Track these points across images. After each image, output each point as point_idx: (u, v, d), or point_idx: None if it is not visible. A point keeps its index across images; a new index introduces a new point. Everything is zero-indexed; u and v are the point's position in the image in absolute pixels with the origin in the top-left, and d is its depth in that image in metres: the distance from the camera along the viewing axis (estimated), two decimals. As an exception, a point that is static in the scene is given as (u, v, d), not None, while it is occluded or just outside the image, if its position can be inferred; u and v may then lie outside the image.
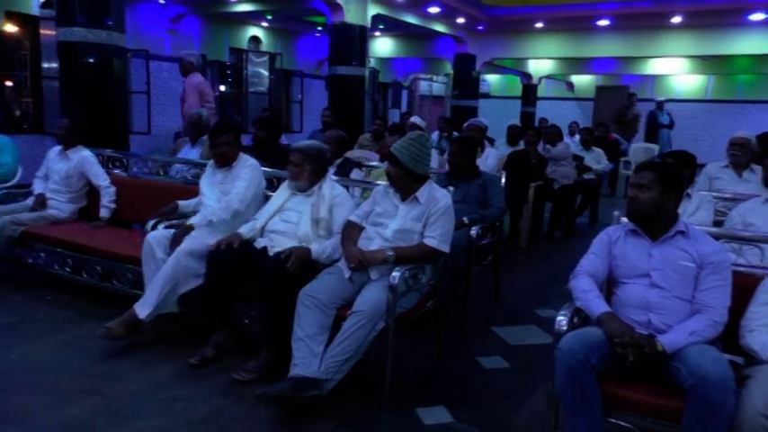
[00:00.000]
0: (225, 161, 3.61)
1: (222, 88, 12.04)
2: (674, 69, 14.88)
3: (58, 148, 4.39)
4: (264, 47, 12.65)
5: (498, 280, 4.42)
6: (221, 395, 2.77)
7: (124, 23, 5.38)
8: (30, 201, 4.31)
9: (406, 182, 2.98)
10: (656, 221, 2.33)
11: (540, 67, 15.87)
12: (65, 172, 4.29)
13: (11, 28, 8.14)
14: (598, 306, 2.24)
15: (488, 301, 4.37)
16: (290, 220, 3.25)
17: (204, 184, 3.67)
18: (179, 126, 9.99)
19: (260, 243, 3.25)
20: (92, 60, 5.08)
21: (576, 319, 2.33)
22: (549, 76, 16.74)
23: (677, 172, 2.42)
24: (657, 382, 2.10)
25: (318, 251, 3.09)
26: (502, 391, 3.01)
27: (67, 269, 3.91)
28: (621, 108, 12.30)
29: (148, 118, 9.76)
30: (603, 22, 11.42)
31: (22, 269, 4.20)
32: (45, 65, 8.59)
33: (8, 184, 4.52)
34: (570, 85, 17.90)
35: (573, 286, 2.38)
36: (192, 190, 4.02)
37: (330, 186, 3.30)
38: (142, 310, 3.19)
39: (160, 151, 8.86)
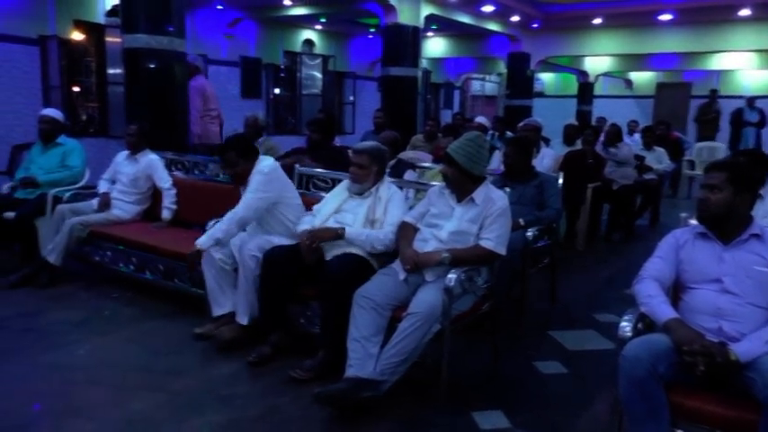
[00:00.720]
0: (239, 180, 3.53)
1: (276, 91, 12.24)
2: (742, 64, 14.23)
3: (126, 152, 4.55)
4: (318, 49, 12.79)
5: (555, 283, 4.32)
6: (278, 394, 2.81)
7: (185, 30, 5.53)
8: (94, 201, 4.48)
9: (463, 183, 2.94)
10: (727, 224, 2.22)
11: (597, 64, 15.47)
12: (132, 174, 4.45)
13: (78, 36, 8.50)
14: (665, 312, 2.15)
15: (544, 304, 4.27)
16: (345, 221, 3.26)
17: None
18: (235, 128, 10.25)
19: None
20: (154, 66, 5.24)
21: (640, 325, 2.24)
22: (606, 74, 16.29)
23: (750, 172, 2.30)
24: (729, 393, 2.00)
25: (353, 234, 3.10)
26: (560, 397, 2.94)
27: (131, 267, 4.05)
28: (703, 105, 11.80)
29: (206, 121, 10.01)
30: (666, 17, 11.02)
31: (89, 267, 4.38)
32: (110, 71, 8.93)
33: (76, 186, 4.70)
34: (629, 83, 17.36)
35: (637, 291, 2.29)
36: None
37: (387, 187, 3.31)
38: (242, 318, 3.29)
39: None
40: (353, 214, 3.27)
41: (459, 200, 2.97)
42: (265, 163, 3.55)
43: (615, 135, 6.74)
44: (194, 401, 2.72)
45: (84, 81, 8.90)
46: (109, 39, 8.78)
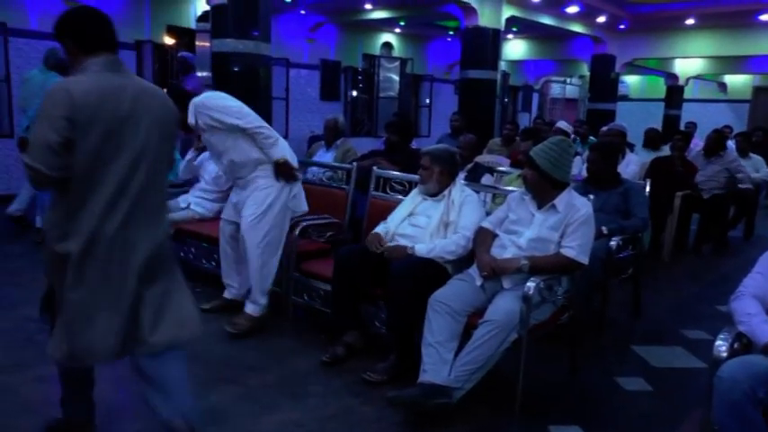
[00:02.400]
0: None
1: (354, 93, 12.40)
2: None
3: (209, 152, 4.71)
4: (396, 52, 12.86)
5: (639, 295, 4.13)
6: (351, 394, 2.82)
7: (270, 34, 5.70)
8: (180, 199, 4.66)
9: (543, 187, 2.86)
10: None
11: (687, 66, 14.71)
12: (215, 172, 4.61)
13: (169, 40, 8.94)
14: (765, 332, 2.00)
15: (627, 317, 4.10)
16: (419, 224, 3.25)
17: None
18: (313, 130, 10.47)
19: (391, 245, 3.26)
20: (241, 69, 5.43)
21: (736, 345, 2.10)
22: (697, 77, 15.46)
23: None
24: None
25: (424, 251, 3.06)
26: (644, 416, 2.80)
27: (213, 263, 4.19)
28: None
29: (286, 122, 10.29)
30: (766, 17, 10.35)
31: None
32: (198, 74, 9.32)
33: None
34: (722, 86, 16.42)
35: (734, 308, 2.15)
36: (327, 192, 4.17)
37: (460, 190, 3.27)
38: (253, 308, 3.53)
39: (296, 154, 9.28)
40: (427, 217, 3.25)
41: (540, 206, 2.90)
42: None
43: (717, 144, 6.32)
44: (270, 397, 2.77)
45: (173, 83, 9.33)
46: (198, 43, 9.18)
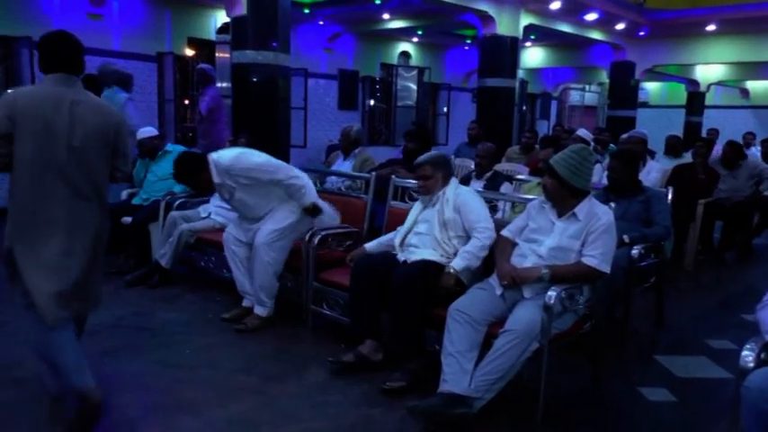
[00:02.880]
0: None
1: (371, 102, 12.45)
2: None
3: None
4: (414, 61, 12.90)
5: (661, 304, 4.07)
6: (371, 404, 2.82)
7: (289, 45, 5.76)
8: (201, 209, 4.71)
9: (562, 195, 2.84)
10: None
11: (709, 73, 14.55)
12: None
13: (190, 52, 9.07)
14: (793, 342, 1.97)
15: (650, 326, 4.04)
16: (421, 231, 3.30)
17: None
18: (331, 139, 10.53)
19: (400, 257, 3.30)
20: (260, 79, 5.49)
21: (763, 355, 2.06)
22: (719, 83, 15.29)
23: None
24: None
25: (462, 265, 3.05)
26: (668, 427, 2.76)
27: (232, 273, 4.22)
28: None
29: (305, 132, 10.35)
30: (788, 22, 10.22)
31: (195, 271, 4.62)
32: (218, 85, 9.44)
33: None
34: (744, 92, 16.19)
35: (760, 318, 2.11)
36: (346, 201, 4.18)
37: (453, 188, 3.32)
38: (261, 309, 3.71)
39: (313, 163, 9.35)
40: (426, 222, 3.31)
41: (560, 214, 2.87)
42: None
43: (735, 153, 6.23)
44: (291, 407, 2.78)
45: (194, 94, 9.46)
46: (218, 54, 9.30)
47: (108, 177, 2.58)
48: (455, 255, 3.15)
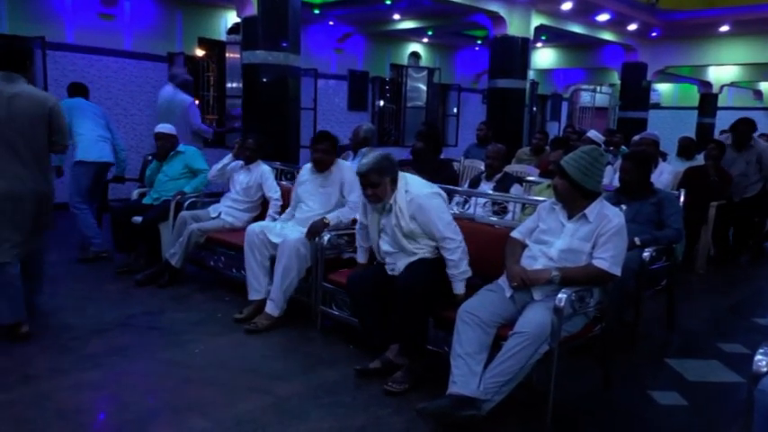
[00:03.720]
0: (322, 166, 4.04)
1: (381, 103, 12.44)
2: None
3: (241, 162, 4.78)
4: (423, 62, 12.88)
5: (672, 307, 4.04)
6: (380, 405, 2.81)
7: (299, 46, 5.76)
8: (211, 209, 4.72)
9: (572, 197, 2.82)
10: None
11: (721, 74, 14.42)
12: (245, 183, 4.67)
13: (199, 52, 9.10)
14: (807, 347, 1.94)
15: (661, 330, 4.01)
16: (389, 246, 3.23)
17: (304, 188, 4.11)
18: (340, 140, 10.52)
19: (387, 268, 3.27)
20: (270, 80, 5.49)
21: (776, 360, 2.03)
22: (732, 84, 15.15)
23: None
24: None
25: (458, 273, 3.07)
26: (679, 431, 2.72)
27: (243, 272, 4.22)
28: None
29: (314, 132, 10.33)
30: (803, 23, 10.10)
31: (205, 271, 4.64)
32: (228, 85, 9.48)
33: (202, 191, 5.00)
34: (758, 94, 16.04)
35: (774, 322, 2.08)
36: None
37: (402, 193, 3.12)
38: (274, 309, 3.72)
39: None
40: (390, 234, 3.20)
41: (571, 216, 2.85)
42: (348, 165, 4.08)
43: (748, 133, 6.05)
44: (299, 407, 2.78)
45: (204, 94, 9.50)
46: (229, 54, 9.34)
47: (48, 149, 3.47)
48: (435, 249, 3.14)
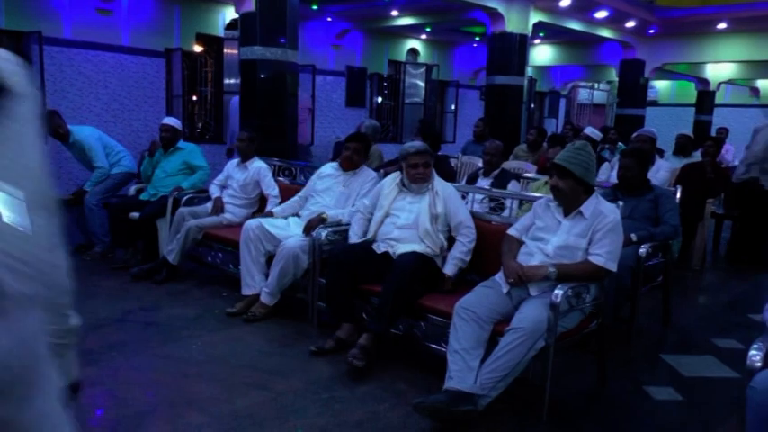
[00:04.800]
0: (349, 165, 4.06)
1: (379, 99, 12.44)
2: None
3: (237, 159, 4.78)
4: (422, 58, 12.88)
5: (668, 303, 4.05)
6: (376, 400, 2.82)
7: (297, 42, 5.76)
8: (209, 204, 4.74)
9: (576, 194, 2.82)
10: None
11: (719, 71, 14.45)
12: (242, 180, 4.67)
13: (197, 48, 9.08)
14: (801, 343, 1.95)
15: (656, 325, 4.03)
16: (400, 224, 3.39)
17: (323, 183, 4.11)
18: (338, 136, 10.52)
19: (379, 248, 3.41)
20: (268, 76, 5.49)
21: (771, 356, 2.05)
22: (729, 82, 15.18)
23: None
24: None
25: (455, 272, 3.31)
26: (674, 426, 2.76)
27: (240, 268, 4.22)
28: None
29: (312, 128, 10.34)
30: (800, 20, 10.12)
31: (203, 267, 4.64)
32: (225, 81, 9.46)
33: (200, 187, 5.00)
34: (755, 91, 16.07)
35: (768, 318, 2.10)
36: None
37: (438, 180, 3.44)
38: (269, 298, 3.78)
39: (320, 160, 9.35)
40: (408, 212, 3.40)
41: (567, 213, 2.86)
42: (373, 175, 4.10)
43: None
44: (296, 402, 2.79)
45: (202, 90, 9.48)
46: (226, 50, 9.32)
47: None
48: (440, 249, 3.34)
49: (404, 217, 3.39)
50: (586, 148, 2.87)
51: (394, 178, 3.57)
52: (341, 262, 3.36)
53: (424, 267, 3.24)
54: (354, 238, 3.62)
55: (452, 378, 2.61)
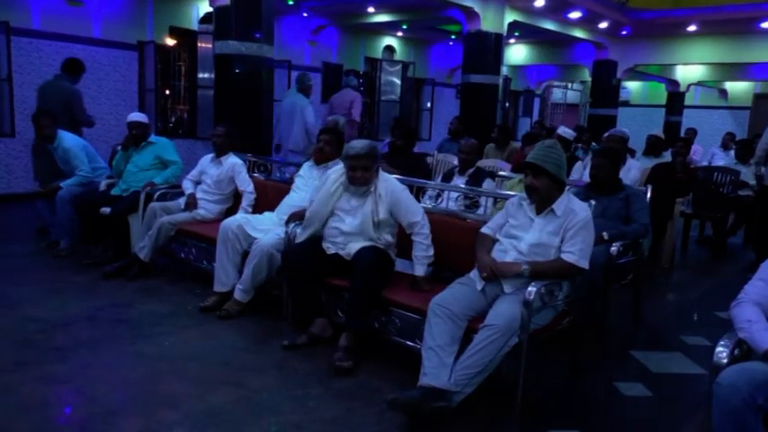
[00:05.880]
0: (321, 157, 4.03)
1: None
2: None
3: (211, 155, 4.73)
4: (398, 56, 12.88)
5: (638, 301, 4.13)
6: (351, 397, 2.82)
7: (272, 37, 5.71)
8: (182, 200, 4.67)
9: (550, 191, 2.85)
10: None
11: (689, 73, 14.75)
12: (217, 176, 4.62)
13: (170, 41, 8.95)
14: (765, 339, 2.00)
15: (626, 322, 4.10)
16: (348, 228, 3.37)
17: (301, 181, 4.12)
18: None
19: (329, 249, 3.42)
20: (243, 71, 5.44)
21: (736, 352, 2.10)
22: (698, 83, 15.50)
23: None
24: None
25: (425, 271, 3.36)
26: (643, 422, 2.80)
27: (213, 264, 4.18)
28: None
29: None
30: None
31: (176, 263, 4.58)
32: (199, 75, 9.34)
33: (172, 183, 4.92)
34: (723, 93, 16.45)
35: (735, 315, 2.15)
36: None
37: (383, 183, 3.36)
38: (242, 295, 3.75)
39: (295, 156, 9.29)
40: (351, 217, 3.38)
41: (539, 211, 2.89)
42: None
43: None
44: (270, 399, 2.77)
45: (175, 84, 9.35)
46: (201, 44, 9.19)
47: None
48: (385, 245, 3.37)
49: (348, 222, 3.37)
50: (557, 145, 2.91)
51: (338, 172, 3.46)
52: (294, 266, 3.38)
53: (380, 259, 3.28)
54: (306, 234, 3.54)
55: (427, 375, 2.63)
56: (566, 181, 2.89)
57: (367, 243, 3.33)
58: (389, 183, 3.37)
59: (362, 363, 3.12)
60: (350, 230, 3.36)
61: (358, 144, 3.31)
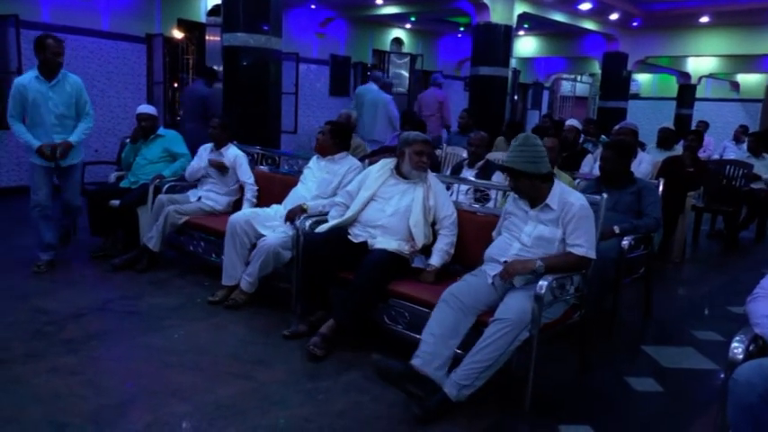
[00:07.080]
0: (323, 149, 4.07)
1: (363, 88, 12.35)
2: None
3: (210, 145, 4.71)
4: (406, 48, 12.81)
5: (649, 295, 4.09)
6: (359, 391, 2.81)
7: (281, 29, 5.68)
8: (191, 193, 4.67)
9: (534, 187, 2.82)
10: None
11: (700, 65, 14.59)
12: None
13: (178, 34, 8.93)
14: (781, 335, 1.98)
15: (637, 317, 4.07)
16: (392, 210, 3.38)
17: (308, 173, 4.11)
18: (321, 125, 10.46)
19: (357, 234, 3.41)
20: (252, 63, 5.41)
21: (752, 347, 2.07)
22: (710, 75, 15.33)
23: None
24: None
25: (440, 263, 3.32)
26: (654, 417, 2.78)
27: (222, 258, 4.18)
28: None
29: (295, 117, 10.28)
30: (781, 15, 10.24)
31: (185, 256, 4.59)
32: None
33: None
34: (735, 85, 16.27)
35: (751, 310, 2.12)
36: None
37: (432, 175, 3.47)
38: (249, 286, 3.77)
39: (304, 149, 9.29)
40: (398, 199, 3.40)
41: (533, 206, 2.86)
42: (356, 164, 4.07)
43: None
44: (279, 392, 2.77)
45: (183, 77, 9.34)
46: (209, 37, 9.17)
47: None
48: (422, 243, 3.34)
49: (393, 204, 3.38)
50: (528, 141, 2.82)
51: (384, 164, 3.55)
52: (314, 257, 3.37)
53: (394, 265, 3.25)
54: (331, 222, 3.58)
55: (419, 357, 2.64)
56: (548, 171, 2.82)
57: (394, 244, 3.30)
58: (435, 177, 3.49)
59: (370, 356, 3.11)
60: (395, 211, 3.38)
61: (419, 135, 3.47)
